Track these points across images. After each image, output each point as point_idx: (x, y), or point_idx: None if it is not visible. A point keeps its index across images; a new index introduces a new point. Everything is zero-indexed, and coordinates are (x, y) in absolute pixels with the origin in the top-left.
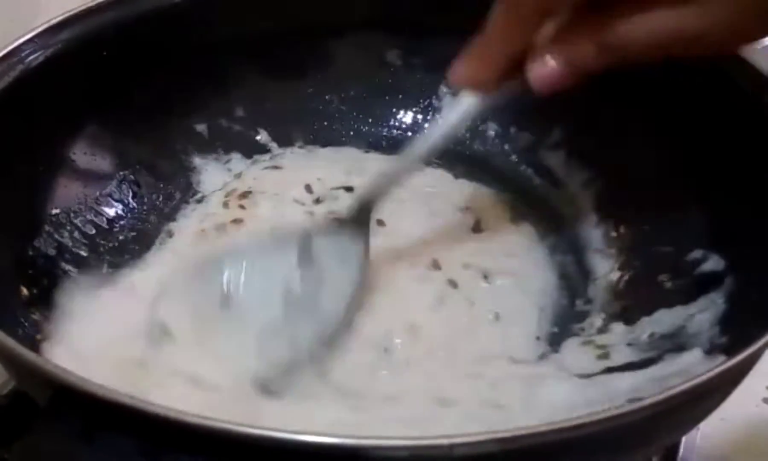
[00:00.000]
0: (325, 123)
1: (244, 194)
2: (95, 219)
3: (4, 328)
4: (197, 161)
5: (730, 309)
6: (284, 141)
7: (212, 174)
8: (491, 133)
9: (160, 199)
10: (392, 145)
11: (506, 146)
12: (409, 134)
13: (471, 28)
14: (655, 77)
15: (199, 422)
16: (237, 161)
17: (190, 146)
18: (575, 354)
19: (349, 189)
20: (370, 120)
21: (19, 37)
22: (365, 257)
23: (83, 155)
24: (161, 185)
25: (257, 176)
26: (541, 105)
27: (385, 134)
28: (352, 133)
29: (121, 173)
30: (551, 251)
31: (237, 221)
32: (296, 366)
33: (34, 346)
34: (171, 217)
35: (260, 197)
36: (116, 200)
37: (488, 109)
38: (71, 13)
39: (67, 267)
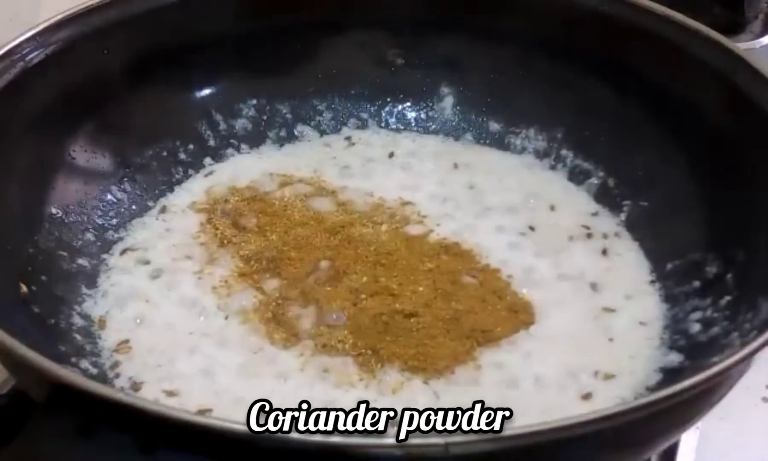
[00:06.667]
0: (326, 121)
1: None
2: (95, 217)
3: (3, 325)
4: (198, 159)
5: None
6: (285, 139)
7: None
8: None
9: (160, 197)
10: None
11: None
12: (411, 132)
13: (472, 27)
14: (654, 77)
15: (196, 419)
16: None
17: (192, 144)
18: None
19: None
20: (370, 119)
21: (20, 35)
22: None
23: (83, 153)
24: (160, 183)
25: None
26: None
27: (386, 133)
28: (352, 131)
29: (121, 171)
30: None
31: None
32: None
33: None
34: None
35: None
36: (115, 198)
37: None
38: (71, 11)
39: (67, 264)
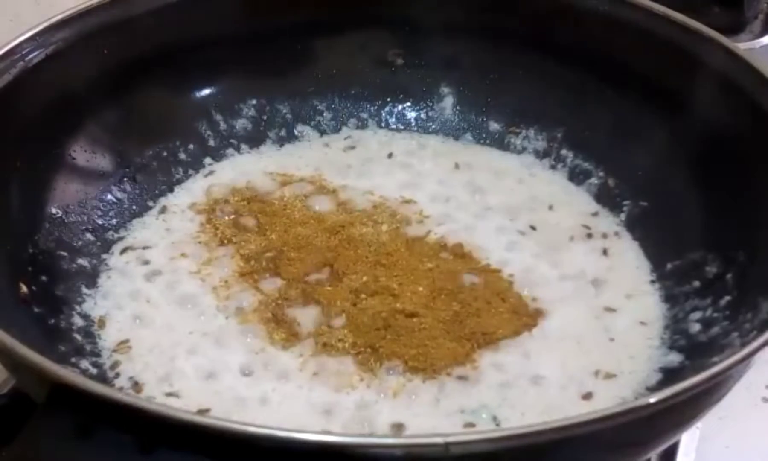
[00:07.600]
0: (326, 121)
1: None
2: (95, 217)
3: (3, 325)
4: (198, 159)
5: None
6: (285, 139)
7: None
8: None
9: (160, 197)
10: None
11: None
12: (411, 132)
13: (472, 27)
14: (654, 77)
15: (196, 419)
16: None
17: (192, 144)
18: None
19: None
20: (370, 119)
21: (20, 35)
22: None
23: (83, 154)
24: (160, 183)
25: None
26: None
27: (386, 133)
28: (352, 131)
29: (121, 171)
30: None
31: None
32: None
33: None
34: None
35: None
36: (115, 198)
37: None
38: (71, 11)
39: (67, 264)
